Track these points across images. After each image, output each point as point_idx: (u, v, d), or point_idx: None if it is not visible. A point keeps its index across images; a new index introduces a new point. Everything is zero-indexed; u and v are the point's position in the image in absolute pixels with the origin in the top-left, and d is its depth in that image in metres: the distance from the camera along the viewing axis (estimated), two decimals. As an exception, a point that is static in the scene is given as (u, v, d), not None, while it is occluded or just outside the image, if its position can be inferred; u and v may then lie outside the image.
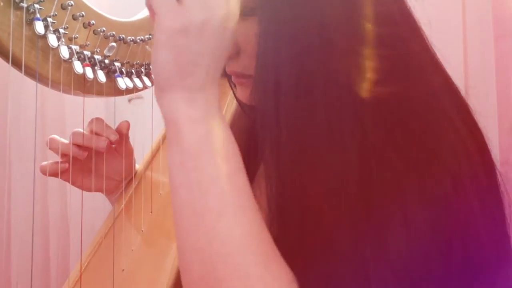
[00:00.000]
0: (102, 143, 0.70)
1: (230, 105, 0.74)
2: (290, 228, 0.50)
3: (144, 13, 0.68)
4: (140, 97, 1.09)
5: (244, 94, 0.58)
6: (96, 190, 0.74)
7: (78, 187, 0.73)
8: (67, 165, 0.70)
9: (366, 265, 0.45)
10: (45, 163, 0.71)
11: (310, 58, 0.48)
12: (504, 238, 0.51)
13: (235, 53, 0.55)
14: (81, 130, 0.70)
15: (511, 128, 1.02)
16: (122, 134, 0.73)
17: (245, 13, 0.52)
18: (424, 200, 0.46)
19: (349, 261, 0.46)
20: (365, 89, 0.48)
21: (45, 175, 0.70)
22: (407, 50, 0.52)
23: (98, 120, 0.71)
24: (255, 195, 0.59)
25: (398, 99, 0.49)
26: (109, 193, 0.77)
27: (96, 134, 0.70)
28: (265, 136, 0.51)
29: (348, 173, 0.47)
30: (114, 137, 0.70)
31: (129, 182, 0.76)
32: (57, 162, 0.70)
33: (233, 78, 0.59)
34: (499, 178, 0.53)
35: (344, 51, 0.48)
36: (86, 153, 0.70)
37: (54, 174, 0.70)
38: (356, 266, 0.46)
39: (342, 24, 0.49)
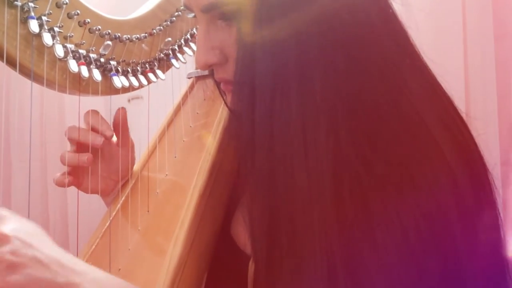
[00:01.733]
0: (98, 139, 0.68)
1: (225, 109, 0.74)
2: (259, 239, 0.50)
3: (140, 11, 0.68)
4: (139, 97, 1.09)
5: None
6: (92, 192, 0.73)
7: (80, 189, 0.72)
8: (71, 179, 0.69)
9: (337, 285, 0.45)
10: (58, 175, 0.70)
11: (285, 66, 0.48)
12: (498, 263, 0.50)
13: (224, 60, 0.55)
14: (76, 125, 0.69)
15: (511, 128, 1.01)
16: (119, 124, 0.71)
17: (230, 18, 0.52)
18: (391, 224, 0.45)
19: (320, 278, 0.45)
20: (338, 96, 0.48)
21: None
22: (382, 55, 0.50)
23: (94, 113, 0.69)
24: None
25: (366, 106, 0.48)
26: (105, 194, 0.76)
27: (92, 129, 0.69)
28: (240, 143, 0.51)
29: (321, 186, 0.47)
30: (109, 133, 0.68)
31: (126, 182, 0.76)
32: (63, 174, 0.69)
33: (222, 86, 0.59)
34: (492, 181, 0.52)
35: (318, 60, 0.48)
36: (90, 158, 0.69)
37: (61, 185, 0.70)
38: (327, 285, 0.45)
39: (317, 28, 0.48)
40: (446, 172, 0.47)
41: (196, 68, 0.81)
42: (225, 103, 0.64)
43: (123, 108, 0.72)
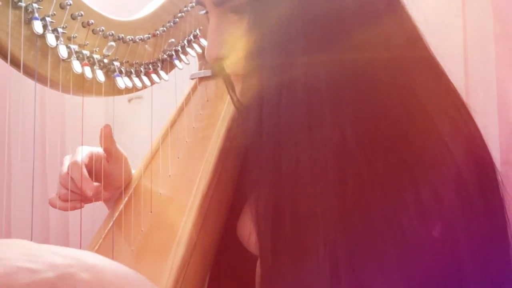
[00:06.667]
0: (88, 192, 0.69)
1: (228, 107, 0.74)
2: (264, 230, 0.50)
3: (143, 12, 0.68)
4: (140, 97, 1.09)
5: None
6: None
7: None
8: (83, 204, 0.71)
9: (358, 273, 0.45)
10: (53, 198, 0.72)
11: (291, 58, 0.48)
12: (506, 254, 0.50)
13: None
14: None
15: (511, 128, 1.01)
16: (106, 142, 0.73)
17: (241, 11, 0.52)
18: (390, 223, 0.46)
19: (322, 271, 0.46)
20: (343, 89, 0.48)
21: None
22: (388, 47, 0.50)
23: (74, 166, 0.71)
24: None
25: (371, 101, 0.48)
26: (106, 201, 0.78)
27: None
28: (247, 135, 0.51)
29: (324, 178, 0.47)
30: (89, 193, 0.69)
31: (128, 183, 0.76)
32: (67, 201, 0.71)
33: (232, 78, 0.59)
34: (499, 178, 0.52)
35: (324, 51, 0.48)
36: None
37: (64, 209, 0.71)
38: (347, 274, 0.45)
39: (325, 23, 0.48)
40: (452, 171, 0.47)
41: (202, 66, 0.81)
42: (232, 100, 0.64)
43: (107, 126, 0.72)
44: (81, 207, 0.71)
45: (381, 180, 0.46)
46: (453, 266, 0.46)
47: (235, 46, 0.54)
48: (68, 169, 0.71)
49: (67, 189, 0.71)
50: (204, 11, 0.58)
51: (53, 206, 0.72)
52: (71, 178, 0.70)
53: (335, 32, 0.48)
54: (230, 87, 0.65)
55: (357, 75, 0.48)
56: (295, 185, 0.48)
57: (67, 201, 0.72)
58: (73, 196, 0.71)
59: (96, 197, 0.73)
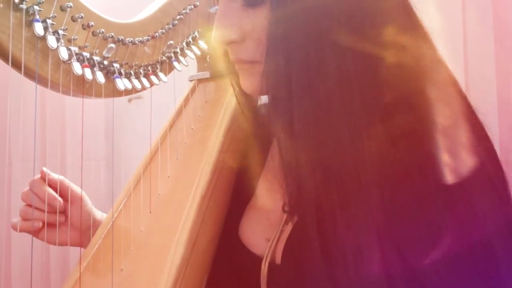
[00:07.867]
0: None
1: (229, 103, 0.74)
2: (309, 211, 0.51)
3: (143, 14, 0.68)
4: (139, 97, 1.09)
5: (248, 82, 0.58)
6: (61, 244, 0.76)
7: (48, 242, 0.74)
8: (40, 223, 0.71)
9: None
10: (15, 220, 0.73)
11: (320, 44, 0.49)
12: None
13: (241, 38, 0.55)
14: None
15: (511, 128, 1.02)
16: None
17: (254, 2, 0.52)
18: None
19: (370, 234, 0.47)
20: (374, 72, 0.49)
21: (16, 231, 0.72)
22: (411, 41, 0.52)
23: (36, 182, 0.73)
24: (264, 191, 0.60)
25: (390, 80, 0.50)
26: (76, 245, 0.78)
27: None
28: (278, 122, 0.52)
29: (362, 152, 0.48)
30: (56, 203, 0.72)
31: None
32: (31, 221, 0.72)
33: (236, 66, 0.59)
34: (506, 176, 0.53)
35: (353, 37, 0.49)
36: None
37: (27, 231, 0.72)
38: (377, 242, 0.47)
39: (351, 10, 0.49)
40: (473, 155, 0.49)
41: (200, 68, 0.81)
42: (234, 91, 0.65)
43: (42, 171, 0.75)
44: (39, 226, 0.72)
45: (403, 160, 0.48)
46: (483, 244, 0.47)
47: (242, 31, 0.55)
48: (29, 186, 0.72)
49: (30, 206, 0.72)
50: None
51: (14, 228, 0.72)
52: (34, 194, 0.72)
53: (366, 20, 0.50)
54: (233, 76, 0.64)
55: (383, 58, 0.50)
56: (336, 167, 0.49)
57: (28, 220, 0.72)
58: (36, 214, 0.72)
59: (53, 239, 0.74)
